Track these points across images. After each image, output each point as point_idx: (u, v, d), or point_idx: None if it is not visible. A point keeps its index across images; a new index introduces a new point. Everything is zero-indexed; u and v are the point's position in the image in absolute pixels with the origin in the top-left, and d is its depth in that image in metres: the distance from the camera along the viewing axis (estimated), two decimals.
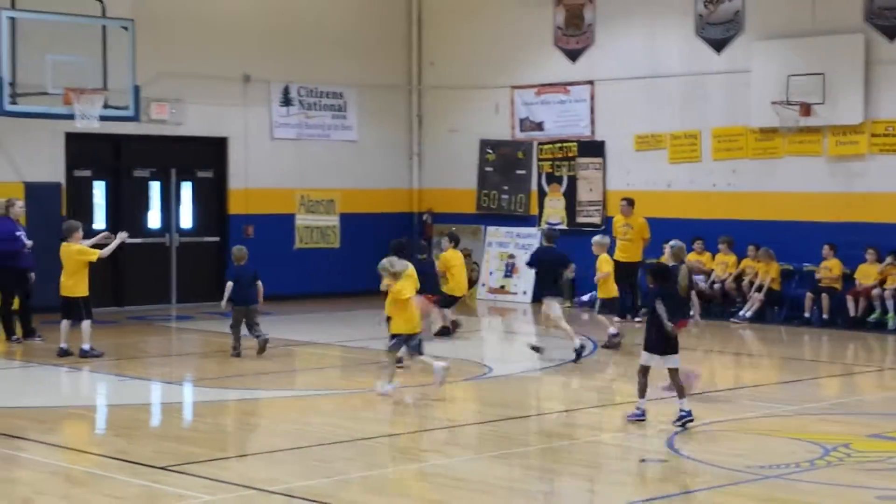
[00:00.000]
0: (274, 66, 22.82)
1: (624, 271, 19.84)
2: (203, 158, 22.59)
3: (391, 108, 24.55)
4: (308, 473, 10.06)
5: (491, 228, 23.71)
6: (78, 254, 15.59)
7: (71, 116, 18.30)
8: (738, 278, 20.19)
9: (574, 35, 22.67)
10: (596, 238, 17.33)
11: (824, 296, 19.25)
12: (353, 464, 10.49)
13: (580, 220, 22.54)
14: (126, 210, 21.55)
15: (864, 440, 11.12)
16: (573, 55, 22.70)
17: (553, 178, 22.99)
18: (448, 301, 18.04)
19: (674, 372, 11.67)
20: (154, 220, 22.01)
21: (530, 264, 17.02)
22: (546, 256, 16.45)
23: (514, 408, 13.15)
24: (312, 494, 9.23)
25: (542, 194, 23.15)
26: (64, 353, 15.56)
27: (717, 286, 20.35)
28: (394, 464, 10.41)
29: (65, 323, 15.70)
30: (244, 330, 15.78)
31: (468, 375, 14.88)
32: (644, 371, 11.75)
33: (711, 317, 20.22)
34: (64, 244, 15.73)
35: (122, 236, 16.04)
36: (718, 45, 20.95)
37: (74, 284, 15.58)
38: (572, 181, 22.70)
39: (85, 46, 18.58)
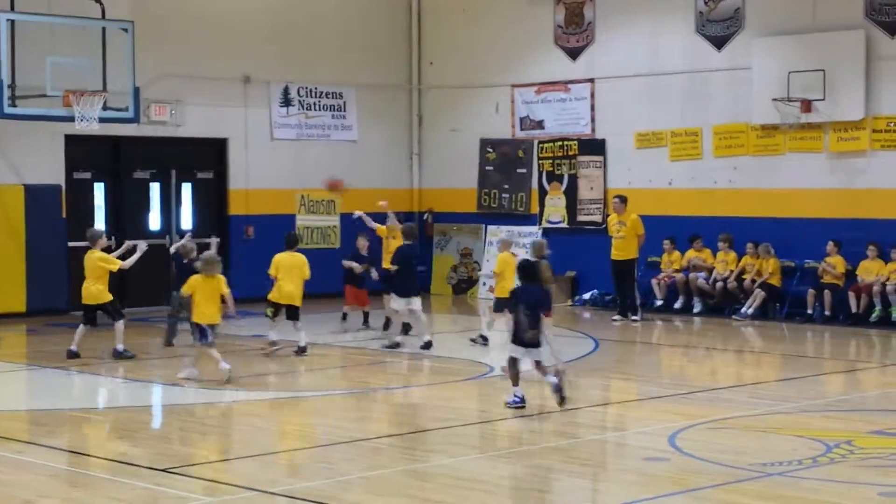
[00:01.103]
0: (273, 67, 22.82)
1: (619, 269, 19.88)
2: (203, 159, 22.59)
3: (391, 107, 24.54)
4: (309, 475, 10.04)
5: (492, 227, 23.68)
6: (100, 261, 15.60)
7: (71, 118, 18.28)
8: (740, 276, 20.16)
9: (574, 33, 22.64)
10: (501, 236, 17.25)
11: (826, 292, 19.23)
12: (355, 465, 10.46)
13: (581, 218, 22.52)
14: (126, 212, 21.54)
15: (866, 437, 11.09)
16: (573, 53, 22.68)
17: (554, 177, 22.97)
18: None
19: (538, 364, 12.25)
20: (154, 221, 22.00)
21: (395, 263, 16.88)
22: (411, 253, 16.86)
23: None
24: (314, 496, 9.21)
25: (542, 193, 23.13)
26: (73, 356, 15.53)
27: (718, 284, 20.32)
28: (395, 464, 10.39)
29: (81, 328, 15.66)
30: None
31: (469, 375, 14.85)
32: (513, 362, 12.31)
33: (713, 314, 20.23)
34: (88, 252, 15.73)
35: (141, 248, 16.06)
36: (719, 43, 20.92)
37: (98, 292, 15.58)
38: (573, 179, 22.68)
39: (84, 48, 18.57)
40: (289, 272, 16.00)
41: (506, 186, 23.65)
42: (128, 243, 16.61)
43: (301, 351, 15.95)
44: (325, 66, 23.44)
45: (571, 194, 22.71)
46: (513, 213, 23.54)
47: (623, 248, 19.87)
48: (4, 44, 17.83)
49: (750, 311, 19.75)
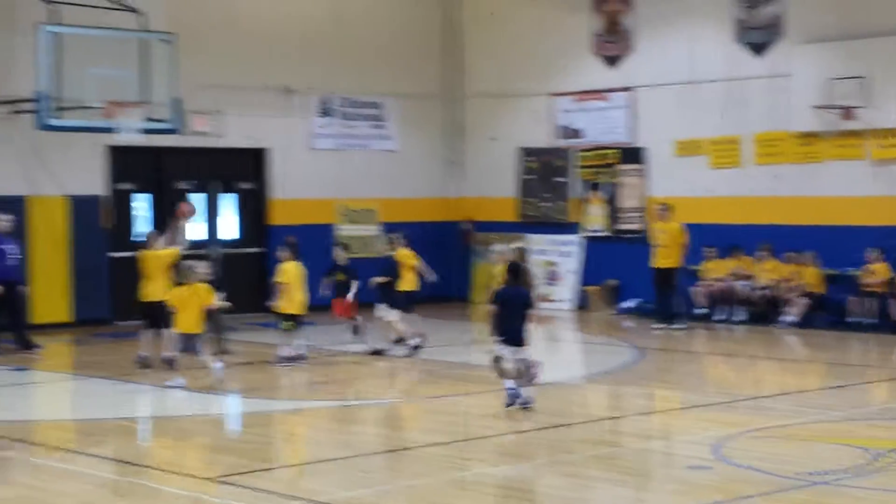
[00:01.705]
0: (313, 77, 22.91)
1: (661, 277, 19.84)
2: (244, 170, 22.70)
3: (430, 117, 24.59)
4: (352, 484, 10.07)
5: (532, 236, 23.67)
6: (163, 258, 15.74)
7: (113, 130, 18.38)
8: (782, 283, 20.05)
9: (613, 42, 22.62)
10: (498, 247, 16.67)
11: (869, 300, 19.09)
12: (397, 474, 10.49)
13: (621, 226, 22.47)
14: (168, 222, 21.61)
15: None
16: (612, 62, 22.65)
17: (593, 186, 22.94)
18: (404, 299, 17.36)
19: (522, 362, 12.54)
20: (196, 232, 22.08)
21: (385, 274, 17.21)
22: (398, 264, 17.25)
23: (559, 416, 13.10)
24: None
25: (582, 202, 23.10)
26: (143, 363, 15.61)
27: (759, 292, 20.22)
28: (437, 473, 10.40)
29: (146, 332, 15.73)
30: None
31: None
32: (498, 360, 12.60)
33: (756, 322, 20.13)
34: (148, 252, 15.85)
35: (182, 225, 16.32)
36: (758, 50, 20.84)
37: (155, 289, 15.68)
38: (613, 188, 22.65)
39: (126, 60, 18.69)
40: (298, 281, 16.13)
41: (546, 195, 23.63)
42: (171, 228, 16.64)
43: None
44: (364, 76, 23.53)
45: (611, 203, 22.67)
46: (553, 222, 23.52)
47: (665, 256, 19.82)
48: (48, 56, 17.97)
49: (793, 319, 19.63)
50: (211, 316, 16.45)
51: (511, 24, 23.96)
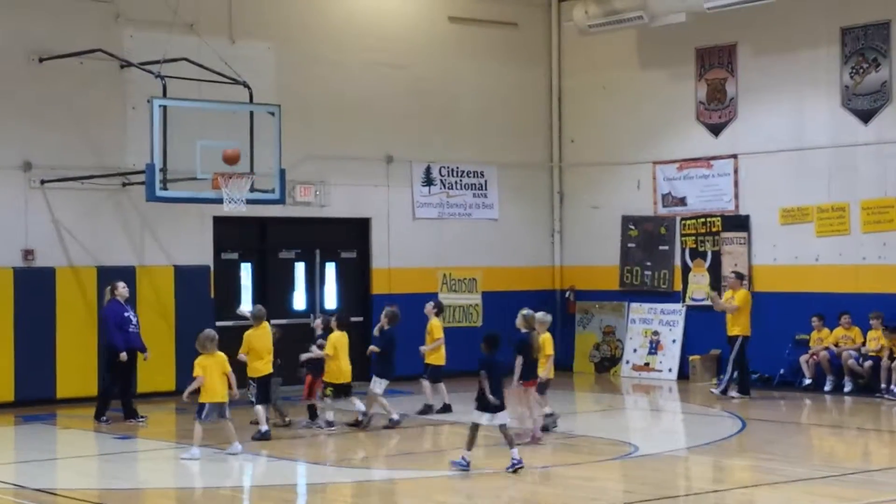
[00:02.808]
0: (415, 147, 23.11)
1: (731, 345, 19.72)
2: (347, 239, 22.89)
3: (532, 185, 24.62)
4: None
5: (634, 305, 23.51)
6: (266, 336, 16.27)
7: (219, 200, 18.63)
8: (892, 354, 19.61)
9: (716, 109, 22.51)
10: (538, 315, 16.08)
11: None
12: None
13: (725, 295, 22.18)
14: (272, 291, 21.88)
15: None
16: (716, 129, 22.52)
17: (697, 254, 22.74)
18: (436, 372, 18.00)
19: (502, 427, 13.24)
20: (299, 301, 22.31)
21: (384, 347, 17.24)
22: (394, 337, 17.31)
23: (662, 487, 12.92)
24: None
25: (685, 270, 22.90)
26: (263, 437, 15.75)
27: (867, 362, 19.78)
28: None
29: (259, 408, 15.90)
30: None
31: (613, 454, 14.68)
32: (475, 427, 13.26)
33: (864, 393, 19.69)
34: (256, 329, 16.18)
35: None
36: (865, 116, 20.57)
37: (264, 365, 16.08)
38: (716, 256, 22.43)
39: (232, 131, 18.98)
40: (344, 350, 16.57)
41: (648, 263, 23.48)
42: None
43: (364, 415, 16.45)
44: (466, 145, 23.67)
45: (715, 271, 22.44)
46: (655, 291, 23.33)
47: (731, 323, 19.81)
48: (157, 129, 18.32)
49: None
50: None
51: (614, 92, 23.96)
